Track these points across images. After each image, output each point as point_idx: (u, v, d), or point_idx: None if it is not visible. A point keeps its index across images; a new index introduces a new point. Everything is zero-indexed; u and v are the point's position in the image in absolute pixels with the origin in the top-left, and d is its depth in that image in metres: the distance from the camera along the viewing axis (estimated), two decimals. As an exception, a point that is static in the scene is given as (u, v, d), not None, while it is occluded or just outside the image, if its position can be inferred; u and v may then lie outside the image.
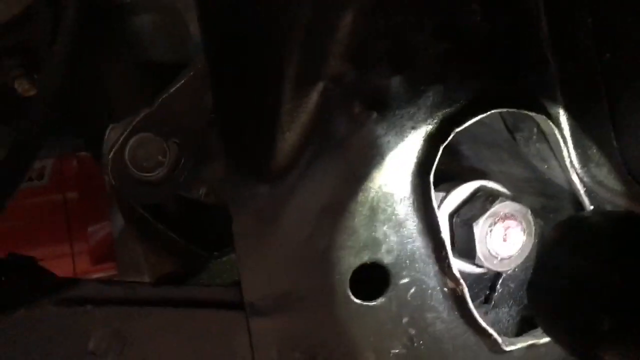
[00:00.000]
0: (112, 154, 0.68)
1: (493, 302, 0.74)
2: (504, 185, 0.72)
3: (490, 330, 0.66)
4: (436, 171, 0.74)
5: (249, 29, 0.60)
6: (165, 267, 0.97)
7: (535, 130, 0.68)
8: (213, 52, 0.61)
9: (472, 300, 0.74)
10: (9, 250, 0.67)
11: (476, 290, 0.75)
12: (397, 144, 0.59)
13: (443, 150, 0.76)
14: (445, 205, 0.70)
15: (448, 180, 0.72)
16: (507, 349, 0.66)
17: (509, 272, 0.74)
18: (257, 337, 0.61)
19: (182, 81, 0.68)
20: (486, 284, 0.75)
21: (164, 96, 0.69)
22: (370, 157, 0.59)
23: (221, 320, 0.60)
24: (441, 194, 0.70)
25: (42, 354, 0.55)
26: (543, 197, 0.76)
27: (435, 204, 0.62)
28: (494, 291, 0.74)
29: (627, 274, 0.45)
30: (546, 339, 0.68)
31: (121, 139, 0.69)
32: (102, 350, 0.56)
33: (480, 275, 0.74)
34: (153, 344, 0.58)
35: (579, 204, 0.69)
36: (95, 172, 1.34)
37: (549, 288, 0.61)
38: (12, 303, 0.57)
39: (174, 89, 0.69)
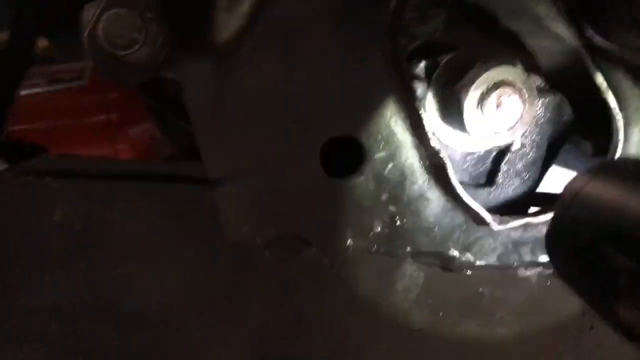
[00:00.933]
0: (86, 32, 0.67)
1: (497, 182, 0.68)
2: (513, 54, 0.65)
3: (476, 207, 0.60)
4: (434, 43, 0.68)
5: None
6: (170, 148, 0.97)
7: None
8: None
9: (476, 181, 0.69)
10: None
11: (480, 170, 0.69)
12: (360, 8, 0.53)
13: (461, 19, 0.69)
14: (438, 73, 0.64)
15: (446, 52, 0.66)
16: (497, 228, 0.61)
17: (514, 149, 0.67)
18: (226, 214, 0.59)
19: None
20: (490, 164, 0.69)
21: (134, -31, 0.66)
22: (332, 23, 0.54)
23: (188, 195, 0.59)
24: (435, 64, 0.64)
25: (11, 223, 0.57)
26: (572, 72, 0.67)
27: (406, 71, 0.56)
28: (498, 170, 0.68)
29: None
30: (544, 217, 0.62)
31: (94, 16, 0.66)
32: (68, 222, 0.57)
33: (484, 154, 0.68)
34: (118, 217, 0.58)
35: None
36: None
37: (568, 241, 0.55)
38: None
39: (144, -39, 0.65)
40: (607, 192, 0.45)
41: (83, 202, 0.57)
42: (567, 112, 0.69)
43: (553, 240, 0.54)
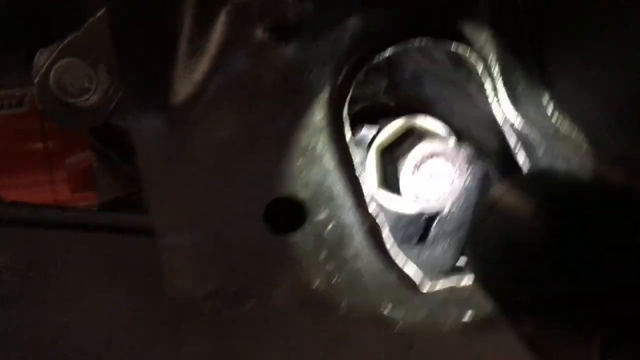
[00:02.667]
0: (37, 78, 0.68)
1: (427, 243, 0.72)
2: (448, 123, 0.70)
3: (408, 271, 0.64)
4: (375, 106, 0.72)
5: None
6: (114, 191, 0.97)
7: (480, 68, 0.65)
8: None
9: (408, 241, 0.73)
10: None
11: (412, 231, 0.74)
12: (309, 77, 0.57)
13: (387, 85, 0.74)
14: (378, 140, 0.68)
15: (387, 115, 0.70)
16: (425, 290, 0.65)
17: (444, 212, 0.72)
18: (169, 265, 0.61)
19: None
20: (422, 225, 0.74)
21: (90, 20, 0.67)
22: (281, 90, 0.57)
23: (131, 247, 0.60)
24: (375, 129, 0.69)
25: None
26: (493, 138, 0.73)
27: (348, 137, 0.60)
28: (429, 231, 0.72)
29: (547, 245, 0.43)
30: (468, 282, 0.66)
31: (46, 63, 0.68)
32: (7, 272, 0.57)
33: (416, 216, 0.73)
34: (59, 268, 0.58)
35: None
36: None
37: (481, 250, 0.58)
38: None
39: (100, 12, 0.67)
40: (517, 206, 0.48)
41: (23, 251, 0.57)
42: (494, 177, 0.74)
43: (471, 244, 0.58)
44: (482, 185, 0.74)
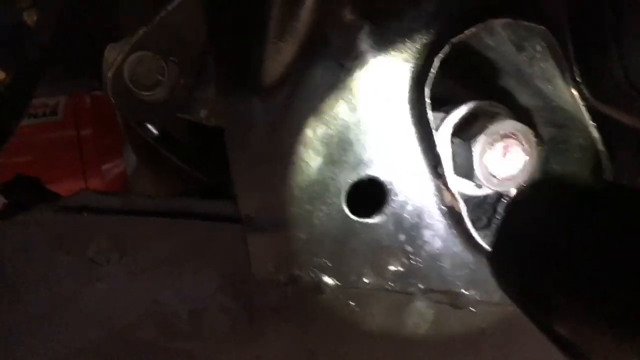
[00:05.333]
0: (111, 72, 0.69)
1: (494, 225, 0.73)
2: (511, 106, 0.71)
3: (488, 249, 0.65)
4: (439, 93, 0.74)
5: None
6: (173, 194, 0.98)
7: (539, 48, 0.66)
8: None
9: (474, 225, 0.74)
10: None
11: (479, 214, 0.75)
12: (392, 56, 0.58)
13: (450, 73, 0.75)
14: (446, 124, 0.69)
15: (452, 102, 0.72)
16: (504, 267, 0.66)
17: (511, 194, 0.73)
18: (254, 250, 0.62)
19: (181, -2, 0.68)
20: (488, 208, 0.75)
21: (162, 14, 0.68)
22: (364, 70, 0.58)
23: (218, 232, 0.61)
24: (442, 114, 0.70)
25: (43, 257, 0.57)
26: (552, 126, 0.74)
27: (431, 119, 0.61)
28: (495, 214, 0.73)
29: (583, 249, 0.43)
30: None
31: (120, 56, 0.68)
32: (102, 258, 0.58)
33: (482, 199, 0.74)
34: (150, 253, 0.59)
35: (588, 132, 0.68)
36: (109, 110, 1.35)
37: (511, 252, 0.59)
38: (15, 212, 0.58)
39: (172, 6, 0.68)
40: (551, 208, 0.48)
41: (116, 237, 0.58)
42: (552, 163, 0.76)
43: (499, 250, 0.58)
44: (543, 171, 0.76)
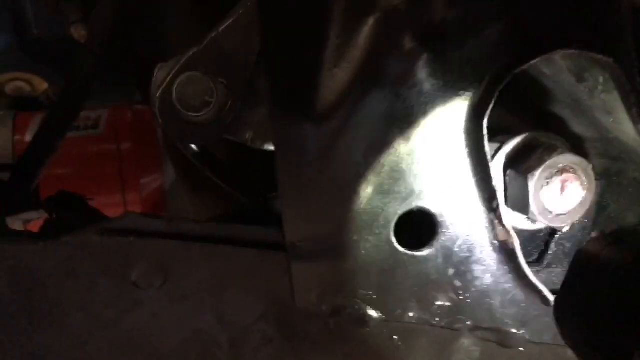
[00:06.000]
0: (160, 92, 0.68)
1: (546, 262, 0.70)
2: (568, 139, 0.69)
3: (541, 287, 0.63)
4: (494, 123, 0.71)
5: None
6: (211, 214, 0.97)
7: (601, 79, 0.64)
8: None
9: (524, 259, 0.72)
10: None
11: (529, 249, 0.72)
12: (450, 85, 0.56)
13: (502, 102, 0.73)
14: (500, 156, 0.67)
15: (505, 132, 0.69)
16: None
17: (564, 230, 0.70)
18: (298, 279, 0.60)
19: (232, 19, 0.67)
20: (539, 243, 0.72)
21: (213, 34, 0.68)
22: (421, 100, 0.56)
23: (262, 260, 0.59)
24: (496, 145, 0.67)
25: (86, 280, 0.56)
26: (606, 158, 0.72)
27: (488, 151, 0.59)
28: (547, 250, 0.71)
29: None
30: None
31: (169, 77, 0.68)
32: (145, 282, 0.57)
33: (534, 233, 0.71)
34: (194, 279, 0.58)
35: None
36: (149, 124, 1.36)
37: (580, 308, 0.56)
38: (60, 232, 0.58)
39: (223, 27, 0.67)
40: (620, 263, 0.46)
41: (160, 261, 0.57)
42: (607, 197, 0.73)
43: (564, 304, 0.55)
44: (598, 206, 0.73)
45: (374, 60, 0.54)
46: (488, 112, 0.57)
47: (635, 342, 0.39)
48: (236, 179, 0.91)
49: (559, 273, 0.71)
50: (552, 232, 0.70)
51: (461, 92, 0.57)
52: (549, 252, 0.70)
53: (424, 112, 0.57)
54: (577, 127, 0.71)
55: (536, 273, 0.71)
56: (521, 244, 0.71)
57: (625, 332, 0.41)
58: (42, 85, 1.93)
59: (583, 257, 0.57)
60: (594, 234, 0.68)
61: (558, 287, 0.71)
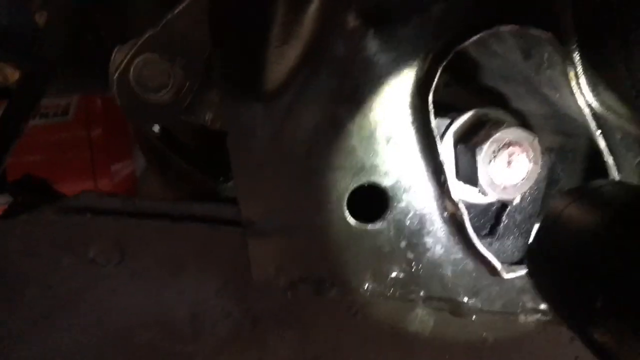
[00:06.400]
0: (117, 74, 0.69)
1: (498, 234, 0.73)
2: (516, 114, 0.71)
3: (490, 257, 0.65)
4: (446, 100, 0.73)
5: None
6: (180, 195, 0.98)
7: (546, 56, 0.66)
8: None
9: (477, 232, 0.74)
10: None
11: (482, 222, 0.74)
12: (396, 63, 0.58)
13: (454, 79, 0.74)
14: (451, 131, 0.69)
15: (457, 109, 0.71)
16: (506, 276, 0.65)
17: (514, 203, 0.73)
18: (254, 254, 0.62)
19: (187, 1, 0.68)
20: (492, 216, 0.74)
21: (168, 17, 0.69)
22: (368, 76, 0.58)
23: (218, 235, 0.61)
24: (447, 121, 0.69)
25: (45, 257, 0.57)
26: (561, 135, 0.74)
27: (434, 126, 0.61)
28: (499, 222, 0.73)
29: (628, 255, 0.43)
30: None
31: (126, 59, 0.69)
32: (103, 259, 0.58)
33: (486, 207, 0.73)
34: (152, 255, 0.59)
35: (594, 141, 0.67)
36: (119, 111, 1.35)
37: (549, 257, 0.58)
38: (19, 211, 0.59)
39: (178, 9, 0.68)
40: (585, 217, 0.48)
41: (118, 239, 0.58)
42: (559, 171, 0.75)
43: (534, 257, 0.58)
44: (549, 176, 0.75)
45: (321, 38, 0.55)
46: (432, 87, 0.59)
47: (597, 292, 0.41)
48: (201, 161, 0.92)
49: (510, 244, 0.73)
50: (503, 205, 0.73)
51: (406, 69, 0.58)
52: (501, 225, 0.73)
53: (371, 89, 0.59)
54: (530, 104, 0.73)
55: (489, 245, 0.73)
56: (474, 218, 0.74)
57: (588, 284, 0.43)
58: (14, 75, 1.92)
59: (549, 214, 0.59)
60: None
61: (511, 257, 0.74)
